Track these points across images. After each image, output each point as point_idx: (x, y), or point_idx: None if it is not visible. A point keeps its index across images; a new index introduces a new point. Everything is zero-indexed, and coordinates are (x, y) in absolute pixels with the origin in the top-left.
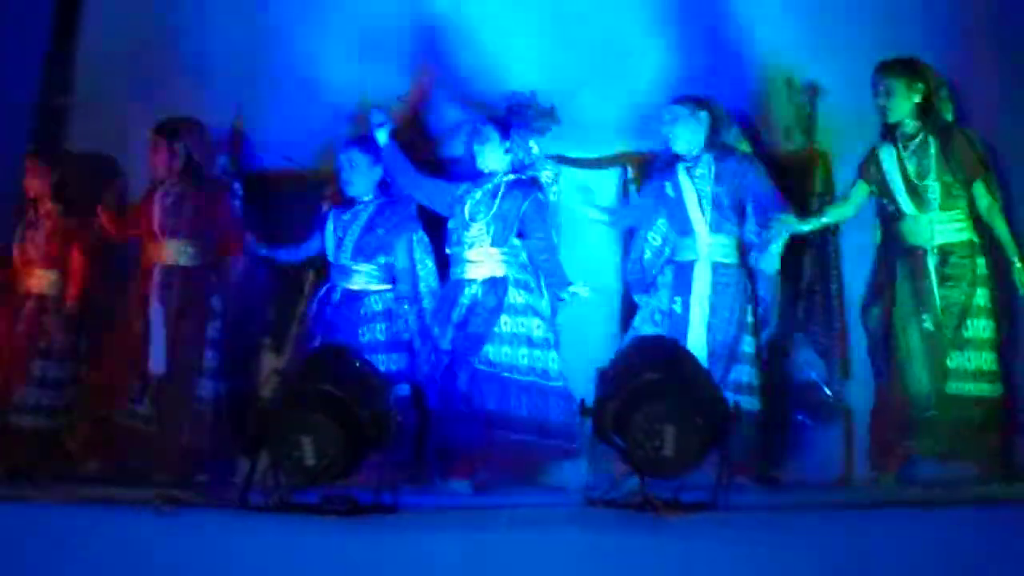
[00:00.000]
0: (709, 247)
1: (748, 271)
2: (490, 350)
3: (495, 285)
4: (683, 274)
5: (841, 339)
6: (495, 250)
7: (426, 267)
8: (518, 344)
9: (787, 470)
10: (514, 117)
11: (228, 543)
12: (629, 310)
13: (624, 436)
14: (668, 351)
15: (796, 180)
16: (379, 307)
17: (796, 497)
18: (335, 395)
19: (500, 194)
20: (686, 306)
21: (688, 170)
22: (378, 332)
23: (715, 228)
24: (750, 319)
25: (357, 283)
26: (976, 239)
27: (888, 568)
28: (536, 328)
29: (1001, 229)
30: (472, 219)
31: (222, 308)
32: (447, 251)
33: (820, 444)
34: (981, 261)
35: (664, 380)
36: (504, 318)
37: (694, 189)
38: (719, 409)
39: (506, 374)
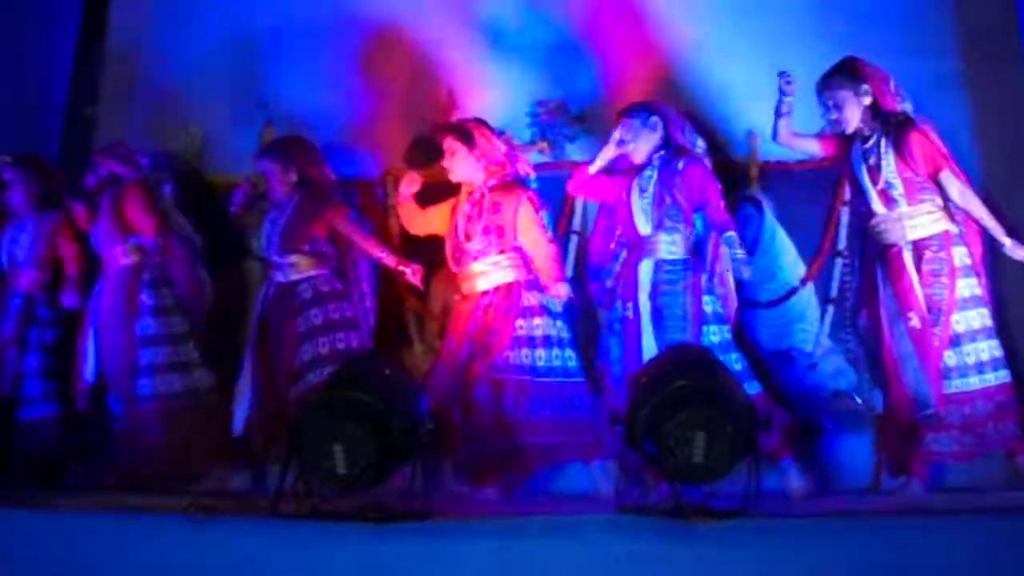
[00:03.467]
0: (653, 245)
1: (701, 262)
2: (508, 355)
3: (507, 291)
4: (631, 278)
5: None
6: (501, 257)
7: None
8: (534, 346)
9: (817, 478)
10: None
11: (260, 551)
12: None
13: (655, 443)
14: (700, 358)
15: (825, 188)
16: (309, 294)
17: (826, 504)
18: (366, 403)
19: (486, 204)
20: (636, 310)
21: (638, 173)
22: (312, 318)
23: (657, 225)
24: (711, 308)
25: (285, 275)
26: (953, 229)
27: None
28: (551, 327)
29: (980, 211)
30: (468, 238)
31: (156, 304)
32: (454, 270)
33: (850, 452)
34: (960, 251)
35: (695, 387)
36: (519, 322)
37: (639, 190)
38: (750, 416)
39: (525, 377)
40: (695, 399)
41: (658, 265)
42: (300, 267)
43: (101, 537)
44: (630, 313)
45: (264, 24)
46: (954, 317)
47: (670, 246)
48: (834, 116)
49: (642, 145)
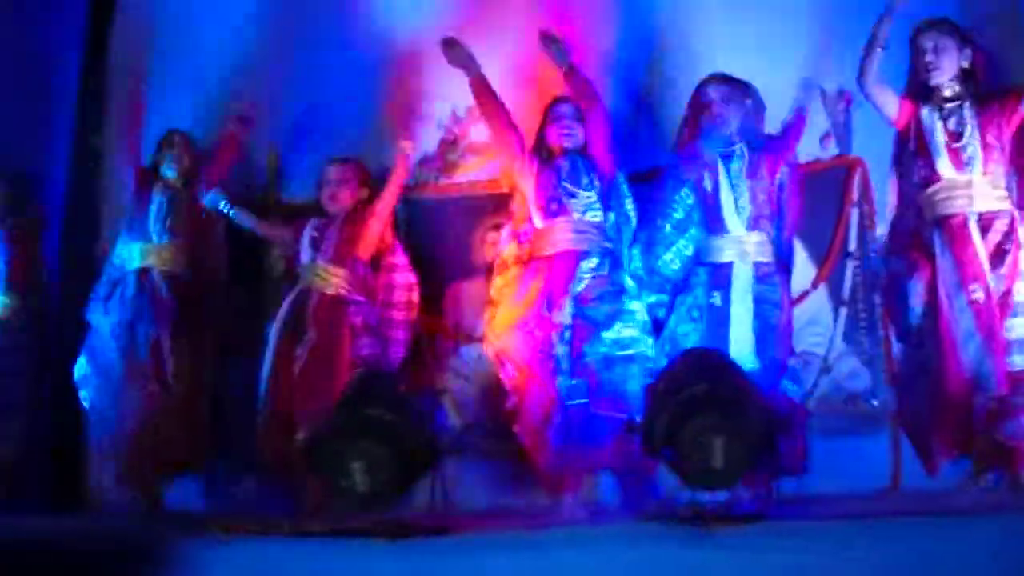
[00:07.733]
0: (745, 246)
1: (789, 273)
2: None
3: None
4: (718, 273)
5: (886, 347)
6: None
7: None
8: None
9: (834, 480)
10: None
11: (281, 569)
12: None
13: (673, 449)
14: (716, 363)
15: (833, 189)
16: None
17: (845, 507)
18: (384, 419)
19: None
20: (726, 300)
21: (725, 162)
22: None
23: (751, 225)
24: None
25: (332, 289)
26: (1017, 211)
27: None
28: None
29: None
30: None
31: (159, 309)
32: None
33: (867, 454)
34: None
35: (712, 392)
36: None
37: (729, 183)
38: (768, 420)
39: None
40: (713, 404)
41: (756, 266)
42: (341, 288)
43: (119, 554)
44: (717, 301)
45: (266, 45)
46: (1016, 285)
47: (760, 247)
48: (929, 59)
49: (733, 115)
